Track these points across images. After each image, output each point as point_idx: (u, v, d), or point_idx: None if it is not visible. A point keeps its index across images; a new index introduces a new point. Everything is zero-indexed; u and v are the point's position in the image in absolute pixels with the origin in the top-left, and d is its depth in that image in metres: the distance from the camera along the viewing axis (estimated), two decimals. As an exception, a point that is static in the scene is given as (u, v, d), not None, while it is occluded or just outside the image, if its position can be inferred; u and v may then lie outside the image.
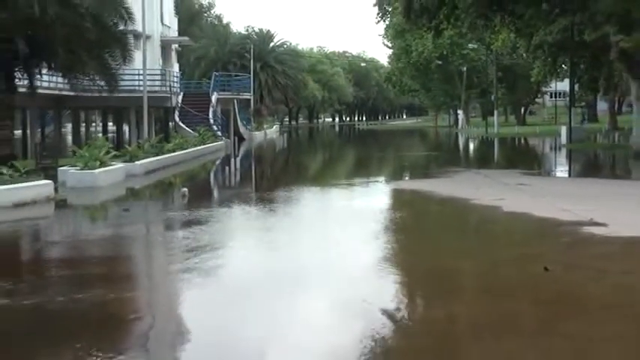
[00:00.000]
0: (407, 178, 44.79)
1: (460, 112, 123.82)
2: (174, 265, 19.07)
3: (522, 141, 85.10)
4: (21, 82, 40.89)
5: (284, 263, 19.03)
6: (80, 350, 11.52)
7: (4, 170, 29.62)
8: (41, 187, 29.89)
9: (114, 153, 41.28)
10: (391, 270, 17.76)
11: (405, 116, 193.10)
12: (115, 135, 61.46)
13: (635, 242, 19.77)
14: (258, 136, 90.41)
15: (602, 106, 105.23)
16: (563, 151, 63.66)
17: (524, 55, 78.66)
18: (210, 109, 76.16)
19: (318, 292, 15.80)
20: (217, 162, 57.46)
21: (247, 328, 12.89)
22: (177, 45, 77.67)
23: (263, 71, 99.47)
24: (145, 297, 16.63)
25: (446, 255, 19.95)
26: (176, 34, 77.82)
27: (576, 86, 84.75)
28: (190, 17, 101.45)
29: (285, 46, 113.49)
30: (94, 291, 15.95)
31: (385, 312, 13.29)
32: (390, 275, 17.02)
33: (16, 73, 40.03)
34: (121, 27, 41.63)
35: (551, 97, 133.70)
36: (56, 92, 48.01)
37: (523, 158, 61.35)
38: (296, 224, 27.68)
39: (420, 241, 23.37)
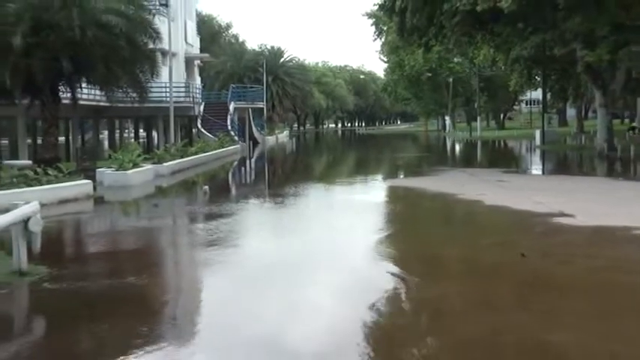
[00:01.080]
0: (401, 176, 44.86)
1: (447, 117, 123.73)
2: (199, 251, 19.32)
3: (502, 143, 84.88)
4: (64, 95, 41.03)
5: (296, 247, 19.34)
6: (119, 323, 11.79)
7: (50, 171, 29.72)
8: (82, 186, 30.12)
9: (144, 156, 41.44)
10: (387, 251, 18.01)
11: (399, 122, 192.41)
12: (145, 140, 61.42)
13: (599, 231, 19.95)
14: (271, 140, 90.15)
15: (571, 112, 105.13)
16: (538, 152, 63.56)
17: (503, 67, 78.39)
18: (229, 117, 76.09)
19: (324, 269, 16.00)
20: (235, 163, 57.41)
21: (268, 297, 13.05)
22: (199, 61, 77.58)
23: (274, 83, 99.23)
24: (171, 279, 16.87)
25: (435, 241, 20.16)
26: (198, 51, 77.72)
27: (548, 95, 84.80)
28: (211, 36, 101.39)
29: (293, 61, 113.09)
30: (129, 275, 16.18)
31: (384, 280, 13.57)
32: (385, 256, 17.20)
33: (60, 87, 40.20)
34: (151, 46, 41.64)
35: (526, 104, 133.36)
36: (94, 103, 48.08)
37: (502, 158, 61.29)
38: (304, 214, 27.90)
39: (413, 229, 23.60)
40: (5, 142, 47.25)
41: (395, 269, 15.90)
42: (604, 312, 11.88)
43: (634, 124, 76.65)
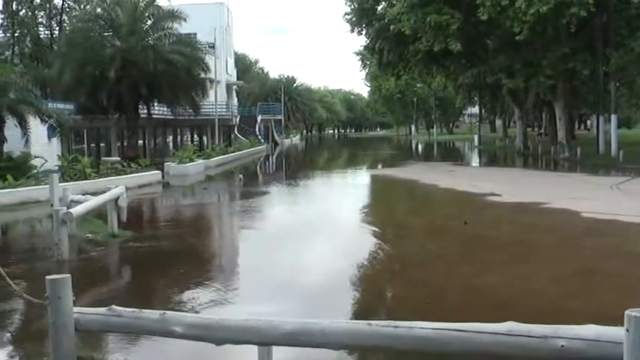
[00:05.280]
0: (379, 167, 44.88)
1: (413, 126, 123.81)
2: (238, 220, 19.42)
3: (451, 144, 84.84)
4: (142, 111, 41.12)
5: (305, 213, 19.37)
6: (183, 272, 11.86)
7: (132, 165, 29.88)
8: (154, 175, 30.25)
9: (198, 154, 41.52)
10: (368, 217, 18.11)
11: (378, 129, 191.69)
12: (198, 142, 61.42)
13: (518, 205, 19.94)
14: (287, 142, 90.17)
15: (498, 122, 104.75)
16: (476, 150, 63.62)
17: (452, 90, 78.24)
18: (257, 126, 76.20)
19: (325, 226, 15.95)
20: (261, 158, 57.38)
21: (288, 248, 13.21)
22: (236, 86, 77.42)
23: (289, 102, 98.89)
24: (218, 240, 16.95)
25: (402, 213, 20.23)
26: (235, 79, 77.60)
27: (483, 110, 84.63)
28: (244, 68, 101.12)
29: (302, 86, 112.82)
30: (189, 235, 16.31)
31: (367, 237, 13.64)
32: (366, 220, 17.31)
33: (139, 106, 40.31)
34: (202, 75, 41.71)
35: (468, 116, 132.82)
36: (163, 117, 48.08)
37: (451, 155, 61.24)
38: (311, 191, 28.11)
39: (386, 203, 23.66)
40: (102, 144, 47.36)
41: (372, 229, 15.94)
42: (520, 261, 11.87)
43: (541, 131, 76.71)
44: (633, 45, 36.27)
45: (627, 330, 3.90)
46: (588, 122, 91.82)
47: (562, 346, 4.33)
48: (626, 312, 3.93)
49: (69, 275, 5.83)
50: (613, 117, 39.67)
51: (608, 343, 4.21)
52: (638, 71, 41.98)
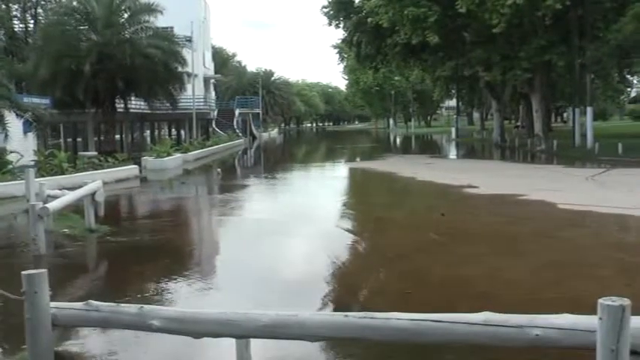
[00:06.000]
0: (357, 159, 44.92)
1: (391, 119, 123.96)
2: (217, 214, 19.40)
3: (429, 137, 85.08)
4: (119, 105, 40.88)
5: (283, 206, 19.29)
6: (159, 261, 11.83)
7: (110, 159, 29.69)
8: (131, 169, 30.07)
9: (175, 148, 41.45)
10: (346, 210, 18.15)
11: (357, 122, 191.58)
12: (176, 137, 61.18)
13: (496, 197, 20.07)
14: (265, 135, 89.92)
15: (476, 115, 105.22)
16: (453, 143, 63.81)
17: (429, 83, 78.39)
18: (235, 119, 76.03)
19: (304, 220, 15.89)
20: (239, 152, 57.27)
21: (267, 241, 13.19)
22: (214, 80, 76.94)
23: (267, 95, 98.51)
24: (196, 234, 16.90)
25: (381, 205, 20.22)
26: (213, 73, 77.09)
27: (460, 103, 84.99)
28: (222, 62, 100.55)
29: (280, 79, 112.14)
30: (166, 230, 16.24)
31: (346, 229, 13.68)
32: (344, 214, 17.37)
33: (116, 100, 40.09)
34: (180, 69, 41.49)
35: (446, 109, 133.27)
36: (140, 111, 47.74)
37: (429, 147, 61.43)
38: (290, 185, 28.00)
39: (364, 196, 23.67)
40: (79, 139, 47.04)
41: (351, 222, 15.98)
42: (497, 252, 11.95)
43: (518, 124, 77.10)
44: (609, 37, 36.58)
45: (600, 318, 3.96)
46: (565, 114, 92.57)
47: (537, 335, 4.40)
48: (600, 301, 4.00)
49: (45, 270, 5.81)
50: (589, 109, 40.02)
51: (583, 332, 4.28)
52: (613, 64, 42.42)
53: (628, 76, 58.53)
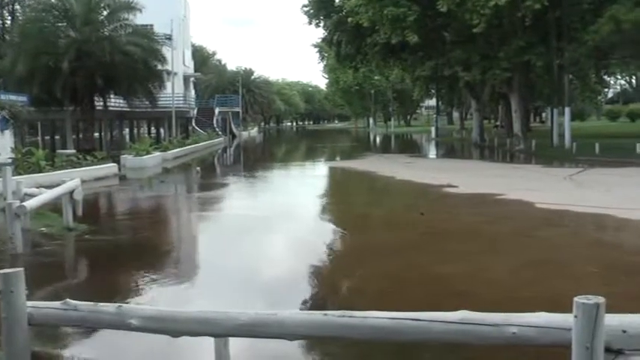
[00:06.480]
0: (337, 159, 44.94)
1: (371, 118, 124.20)
2: (195, 212, 19.32)
3: (409, 136, 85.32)
4: (98, 103, 40.60)
5: (264, 206, 19.25)
6: (138, 259, 11.76)
7: (88, 157, 29.49)
8: (110, 167, 29.86)
9: (155, 146, 41.20)
10: (326, 210, 18.17)
11: (337, 121, 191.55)
12: (155, 135, 60.87)
13: (475, 196, 20.16)
14: (245, 134, 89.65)
15: (455, 114, 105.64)
16: (433, 142, 64.02)
17: (409, 82, 78.55)
18: (214, 118, 75.89)
19: (283, 219, 15.84)
20: (219, 150, 57.09)
21: (246, 239, 13.18)
22: (193, 78, 76.55)
23: (247, 94, 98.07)
24: (175, 232, 16.84)
25: (360, 204, 20.29)
26: (193, 71, 76.61)
27: (440, 102, 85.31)
28: (202, 60, 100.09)
29: (261, 78, 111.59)
30: (145, 228, 16.18)
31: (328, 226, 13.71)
32: (326, 213, 17.39)
33: (95, 98, 39.82)
34: (159, 67, 41.31)
35: (425, 109, 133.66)
36: (119, 109, 47.37)
37: (409, 147, 61.62)
38: (269, 184, 27.97)
39: (344, 195, 23.71)
40: (57, 137, 46.67)
41: (330, 221, 16.00)
42: (476, 251, 11.99)
43: (497, 123, 77.58)
44: (586, 39, 36.90)
45: (575, 316, 4.01)
46: (543, 115, 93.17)
47: (514, 333, 4.44)
48: (575, 299, 4.05)
49: (22, 269, 5.77)
50: (567, 109, 40.36)
51: (559, 330, 4.33)
52: (590, 65, 42.82)
53: (605, 77, 59.22)
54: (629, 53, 40.08)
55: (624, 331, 4.16)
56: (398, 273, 10.51)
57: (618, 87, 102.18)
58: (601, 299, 3.99)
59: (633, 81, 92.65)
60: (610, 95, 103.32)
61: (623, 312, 4.38)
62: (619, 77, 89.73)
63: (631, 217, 14.93)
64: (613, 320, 4.17)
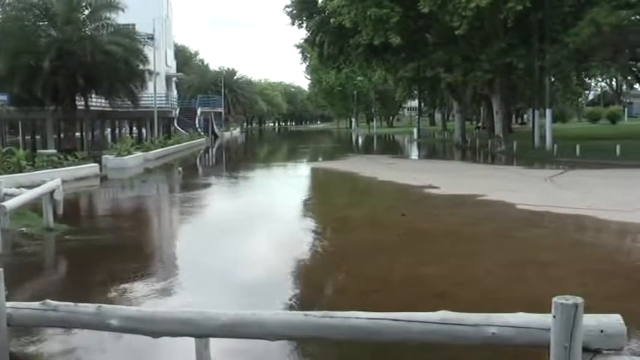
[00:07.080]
0: (319, 159, 44.93)
1: (353, 119, 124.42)
2: (177, 213, 19.27)
3: (391, 137, 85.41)
4: (79, 103, 40.41)
5: (245, 207, 19.23)
6: (122, 265, 11.70)
7: (69, 157, 29.32)
8: (92, 167, 29.67)
9: (136, 146, 41.01)
10: (308, 210, 18.15)
11: (319, 122, 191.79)
12: (137, 135, 60.61)
13: (456, 197, 20.20)
14: (227, 135, 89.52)
15: (437, 116, 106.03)
16: (415, 143, 64.12)
17: (392, 84, 78.72)
18: (197, 118, 75.55)
19: (264, 220, 15.82)
20: (201, 151, 56.93)
21: (228, 240, 13.21)
22: (175, 78, 76.33)
23: (229, 94, 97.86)
24: (156, 232, 16.78)
25: (342, 205, 20.29)
26: (175, 71, 76.38)
27: (422, 103, 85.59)
28: (184, 60, 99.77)
29: (243, 78, 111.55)
30: (127, 228, 16.11)
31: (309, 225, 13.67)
32: (307, 212, 17.37)
33: (76, 97, 39.64)
34: (141, 67, 41.19)
35: (408, 110, 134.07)
36: (101, 109, 47.13)
37: (391, 148, 61.71)
38: (251, 184, 27.94)
39: (326, 196, 23.75)
40: (38, 137, 46.39)
41: (311, 221, 16.00)
42: (457, 252, 12.05)
43: (479, 125, 77.98)
44: (567, 41, 37.14)
45: (554, 316, 4.05)
46: (525, 116, 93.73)
47: (493, 333, 4.47)
48: (554, 299, 4.08)
49: (1, 269, 5.73)
50: (548, 111, 40.63)
51: (537, 330, 4.36)
52: (571, 67, 43.10)
53: (586, 79, 59.71)
54: (609, 56, 40.36)
55: (602, 331, 4.21)
56: (378, 274, 10.51)
57: (599, 89, 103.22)
58: (579, 299, 4.03)
59: (613, 83, 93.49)
60: (591, 97, 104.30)
61: (602, 312, 4.43)
62: (599, 79, 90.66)
63: (610, 219, 15.08)
64: (591, 320, 4.21)
